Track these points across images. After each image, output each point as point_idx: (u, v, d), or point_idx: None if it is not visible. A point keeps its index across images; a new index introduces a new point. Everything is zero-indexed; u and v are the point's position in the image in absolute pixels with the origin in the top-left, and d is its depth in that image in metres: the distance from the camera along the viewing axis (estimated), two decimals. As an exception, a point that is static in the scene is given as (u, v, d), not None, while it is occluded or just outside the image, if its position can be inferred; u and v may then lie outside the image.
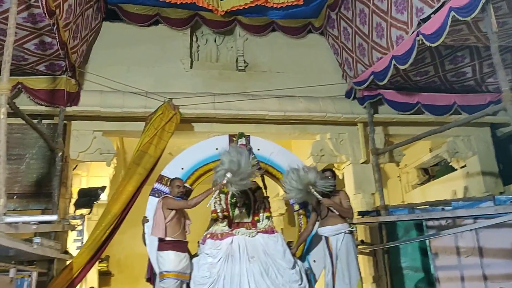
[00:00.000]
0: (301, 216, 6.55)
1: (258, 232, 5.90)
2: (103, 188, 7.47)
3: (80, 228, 7.22)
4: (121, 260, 13.36)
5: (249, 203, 6.17)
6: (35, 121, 6.65)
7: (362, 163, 8.21)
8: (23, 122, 6.85)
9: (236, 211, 6.11)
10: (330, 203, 5.66)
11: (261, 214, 6.12)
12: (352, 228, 5.96)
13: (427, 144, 10.03)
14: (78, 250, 6.77)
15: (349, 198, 6.08)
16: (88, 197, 7.35)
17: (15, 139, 6.96)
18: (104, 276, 12.98)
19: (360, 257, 7.79)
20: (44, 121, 7.19)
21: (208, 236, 5.87)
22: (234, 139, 6.52)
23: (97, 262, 11.58)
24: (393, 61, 6.68)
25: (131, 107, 7.38)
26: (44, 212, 6.80)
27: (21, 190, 6.72)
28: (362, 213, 7.73)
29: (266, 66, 8.52)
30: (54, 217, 4.48)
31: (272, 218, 6.19)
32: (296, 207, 6.60)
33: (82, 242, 7.03)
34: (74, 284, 6.23)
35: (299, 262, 5.87)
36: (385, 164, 8.98)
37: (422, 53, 6.90)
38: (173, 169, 6.36)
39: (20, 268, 5.68)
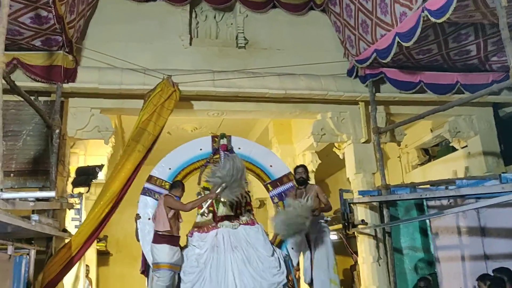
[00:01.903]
0: (279, 208, 6.90)
1: (240, 224, 6.41)
2: (101, 167, 7.36)
3: (78, 206, 7.11)
4: (120, 240, 13.35)
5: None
6: (31, 98, 6.51)
7: (363, 142, 8.13)
8: (19, 98, 6.75)
9: (221, 206, 6.53)
10: (319, 210, 6.21)
11: (243, 208, 6.62)
12: (327, 218, 6.65)
13: (428, 124, 9.94)
14: (77, 229, 6.68)
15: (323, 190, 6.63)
16: (86, 175, 7.23)
17: (10, 115, 6.84)
18: (103, 255, 13.00)
19: (361, 237, 7.79)
20: (40, 98, 7.05)
21: (195, 229, 6.38)
22: (217, 139, 6.96)
23: (95, 242, 11.72)
24: (397, 38, 6.56)
25: (130, 84, 7.24)
26: (41, 190, 6.69)
27: (18, 168, 6.61)
28: (362, 193, 7.68)
29: (266, 44, 8.36)
30: (52, 194, 4.38)
31: (253, 211, 6.73)
32: (275, 199, 7.02)
33: (80, 221, 6.93)
34: (73, 262, 6.18)
35: (277, 250, 6.37)
36: (385, 145, 8.93)
37: (425, 30, 6.75)
38: (161, 169, 6.79)
39: (18, 246, 5.63)
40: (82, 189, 7.28)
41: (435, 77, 7.90)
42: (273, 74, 7.81)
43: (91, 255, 11.30)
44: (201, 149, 6.90)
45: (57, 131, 6.64)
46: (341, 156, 8.85)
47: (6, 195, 3.84)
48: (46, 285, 5.96)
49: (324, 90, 7.83)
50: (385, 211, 7.40)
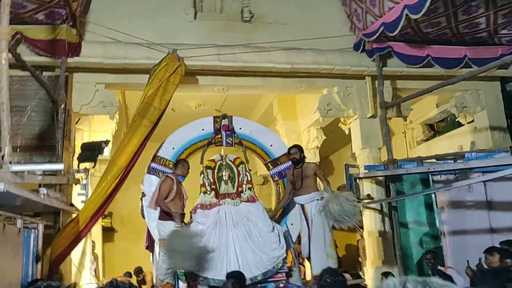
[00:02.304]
0: (279, 185, 7.23)
1: (241, 201, 6.64)
2: (106, 142, 7.34)
3: (84, 182, 7.12)
4: (124, 216, 13.41)
5: (233, 177, 6.89)
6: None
7: (369, 117, 8.08)
8: (23, 74, 6.73)
9: (222, 184, 6.81)
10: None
11: (244, 186, 6.83)
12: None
13: (433, 99, 9.87)
14: (83, 204, 6.71)
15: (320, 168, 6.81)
16: (92, 150, 7.22)
17: (15, 91, 6.75)
18: (108, 232, 13.07)
19: (366, 211, 7.80)
20: (45, 74, 6.99)
21: (198, 206, 6.55)
22: (218, 120, 7.11)
23: (101, 218, 11.77)
24: (406, 11, 6.45)
25: (134, 58, 7.18)
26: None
27: (24, 143, 6.59)
28: (369, 168, 7.66)
29: (272, 18, 8.24)
30: (60, 166, 4.38)
31: (253, 189, 6.89)
32: (276, 178, 7.29)
33: (87, 196, 6.93)
34: (80, 236, 6.21)
35: (277, 225, 6.57)
36: (390, 120, 8.84)
37: (434, 2, 6.65)
38: (165, 149, 7.02)
39: (26, 220, 5.65)
40: (88, 165, 7.26)
41: (443, 51, 7.80)
42: (279, 49, 7.71)
43: (96, 231, 11.33)
44: (203, 129, 7.09)
45: (62, 106, 6.61)
46: (346, 132, 8.81)
47: (16, 167, 3.83)
48: (54, 259, 6.00)
49: (330, 65, 7.75)
50: (391, 186, 7.39)
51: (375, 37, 7.44)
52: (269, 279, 6.18)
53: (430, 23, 7.24)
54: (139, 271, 10.04)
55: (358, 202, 7.61)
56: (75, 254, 9.10)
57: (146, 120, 6.57)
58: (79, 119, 7.79)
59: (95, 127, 9.23)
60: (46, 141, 6.67)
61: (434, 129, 10.51)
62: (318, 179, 6.64)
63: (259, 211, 6.54)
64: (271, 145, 7.27)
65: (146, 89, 6.73)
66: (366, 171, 7.63)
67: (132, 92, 8.47)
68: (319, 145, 10.29)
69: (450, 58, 7.82)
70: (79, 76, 7.28)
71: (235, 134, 7.11)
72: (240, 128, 7.19)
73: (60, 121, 6.56)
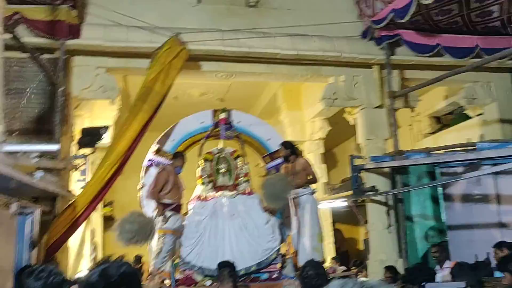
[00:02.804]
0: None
1: (238, 193, 6.80)
2: (106, 128, 7.13)
3: (83, 168, 6.96)
4: (125, 205, 13.02)
5: (231, 169, 7.07)
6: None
7: (376, 107, 7.89)
8: (22, 55, 6.55)
9: (220, 176, 7.00)
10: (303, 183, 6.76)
11: (240, 178, 6.98)
12: (314, 190, 6.97)
13: (441, 91, 9.67)
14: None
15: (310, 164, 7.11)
16: (91, 136, 7.03)
17: (14, 72, 6.61)
18: (109, 221, 12.93)
19: (371, 204, 7.63)
20: (44, 56, 6.79)
21: (196, 197, 6.73)
22: (217, 113, 7.20)
23: (101, 207, 11.63)
24: (416, -4, 6.24)
25: (136, 42, 6.98)
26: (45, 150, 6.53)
27: (21, 126, 6.42)
28: (375, 159, 7.47)
29: (277, 2, 8.01)
30: (56, 146, 4.24)
31: (250, 181, 6.98)
32: (273, 171, 7.32)
33: (86, 183, 6.78)
34: (78, 223, 6.04)
35: (272, 218, 6.67)
36: (396, 113, 8.62)
37: (446, -12, 6.45)
38: (164, 140, 7.10)
39: (22, 205, 5.50)
40: (87, 150, 7.08)
41: (453, 40, 7.60)
42: (284, 35, 7.50)
43: (97, 219, 11.22)
44: (202, 122, 7.18)
45: (61, 88, 6.42)
46: (352, 122, 8.61)
47: (9, 147, 3.66)
48: (50, 246, 5.84)
49: (337, 52, 7.55)
50: (397, 177, 7.23)
51: (384, 24, 7.22)
52: (263, 270, 6.35)
53: (441, 10, 7.03)
54: (138, 259, 10.02)
55: (362, 194, 7.50)
56: (74, 242, 9.02)
57: (147, 105, 6.39)
58: (79, 104, 7.61)
59: (97, 114, 9.04)
60: (45, 125, 6.50)
61: (441, 122, 10.30)
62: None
63: (255, 203, 6.68)
64: (269, 139, 7.36)
65: (148, 73, 6.54)
66: (372, 162, 7.44)
67: (134, 78, 8.26)
68: (324, 136, 10.12)
69: (461, 48, 7.61)
70: (79, 59, 7.08)
71: (233, 128, 7.20)
72: (239, 122, 7.27)
73: (59, 104, 6.37)
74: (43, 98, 6.59)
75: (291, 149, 6.88)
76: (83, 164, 6.94)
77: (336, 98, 7.92)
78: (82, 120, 8.69)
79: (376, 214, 7.56)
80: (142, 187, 6.83)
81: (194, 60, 7.32)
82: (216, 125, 7.19)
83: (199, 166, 6.94)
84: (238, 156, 7.12)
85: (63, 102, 6.48)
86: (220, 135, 7.21)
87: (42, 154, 5.29)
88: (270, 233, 6.46)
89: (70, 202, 6.11)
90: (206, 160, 6.98)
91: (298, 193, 6.75)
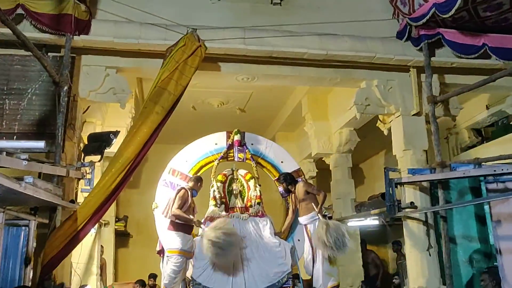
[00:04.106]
0: (288, 202, 7.13)
1: (250, 215, 6.74)
2: (116, 133, 6.50)
3: (89, 176, 6.32)
4: (140, 221, 12.56)
5: (243, 191, 7.04)
6: (38, 51, 5.70)
7: (413, 114, 7.13)
8: (25, 53, 6.00)
9: (232, 198, 6.97)
10: (319, 209, 6.49)
11: (253, 201, 6.90)
12: (325, 213, 6.81)
13: (482, 101, 8.83)
14: (86, 200, 5.87)
15: (311, 184, 7.23)
16: (99, 142, 6.42)
17: (15, 71, 6.12)
18: (122, 236, 12.33)
19: (408, 222, 6.82)
20: (50, 54, 6.25)
21: (207, 218, 6.64)
22: (231, 135, 7.11)
23: (113, 221, 11.01)
24: (463, -13, 5.52)
25: (149, 39, 6.38)
26: (48, 155, 5.92)
27: (22, 129, 5.84)
28: (413, 171, 6.66)
29: (304, 1, 7.36)
30: (41, 144, 3.59)
31: (262, 204, 6.90)
32: (284, 194, 7.15)
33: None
34: (79, 237, 5.35)
35: (283, 241, 6.63)
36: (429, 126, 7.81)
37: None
38: (179, 161, 7.02)
39: (14, 216, 4.87)
40: (94, 158, 6.46)
41: (502, 40, 6.83)
42: (312, 34, 6.83)
43: (108, 234, 10.61)
44: (216, 144, 7.14)
45: (65, 88, 5.82)
46: (385, 132, 7.83)
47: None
48: (47, 263, 5.17)
49: (370, 52, 6.82)
50: (439, 193, 6.42)
51: (424, 21, 6.52)
52: None
53: (490, 5, 6.28)
54: (153, 276, 9.51)
55: (399, 210, 6.72)
56: (83, 259, 8.38)
57: (159, 106, 5.72)
58: (88, 108, 7.01)
59: (109, 121, 8.47)
60: (47, 128, 5.90)
61: (482, 134, 9.42)
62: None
63: (267, 225, 6.68)
64: (282, 162, 7.25)
65: (160, 72, 5.90)
66: (410, 175, 6.63)
67: (150, 83, 7.67)
68: (352, 148, 9.35)
69: (510, 49, 6.79)
70: (88, 59, 6.52)
71: (247, 150, 7.13)
72: (252, 144, 7.24)
73: (62, 105, 5.76)
74: (46, 100, 6.01)
75: (286, 182, 6.78)
76: (89, 172, 6.28)
77: (368, 104, 7.18)
78: (94, 128, 8.12)
79: (414, 234, 6.72)
80: (156, 207, 6.72)
81: (212, 60, 6.71)
82: (230, 146, 7.10)
83: (212, 187, 6.88)
84: (251, 178, 7.07)
85: (67, 102, 5.87)
86: (233, 157, 7.16)
87: (39, 159, 4.67)
88: (281, 256, 6.38)
89: (71, 213, 5.43)
90: (219, 181, 6.93)
91: (309, 219, 6.57)
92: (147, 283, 9.60)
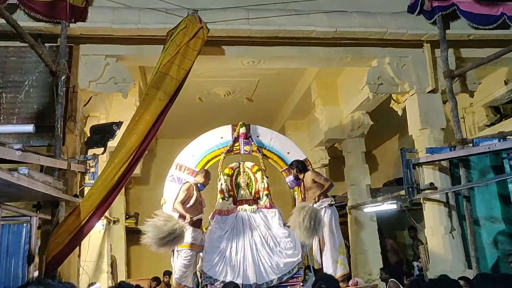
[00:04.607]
0: (296, 192, 7.23)
1: (258, 207, 6.78)
2: (119, 124, 6.22)
3: (93, 170, 6.06)
4: (151, 217, 12.34)
5: (250, 183, 7.05)
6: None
7: (429, 92, 6.77)
8: (21, 44, 5.74)
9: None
10: (318, 197, 6.59)
11: (261, 193, 6.94)
12: (332, 201, 6.78)
13: (500, 76, 8.45)
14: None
15: (319, 173, 7.16)
16: (102, 134, 6.15)
17: (11, 63, 5.86)
18: (134, 234, 12.09)
19: (428, 204, 6.48)
20: (46, 44, 5.99)
21: (216, 212, 6.73)
22: (237, 128, 7.13)
23: (124, 218, 10.79)
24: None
25: (149, 24, 6.09)
26: (48, 149, 5.67)
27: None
28: (431, 150, 6.32)
29: (310, -22, 7.01)
30: (29, 127, 3.32)
31: (270, 195, 6.91)
32: (293, 184, 7.23)
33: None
34: (83, 232, 5.09)
35: (293, 232, 6.49)
36: (445, 105, 7.45)
37: None
38: (185, 156, 7.08)
39: (14, 213, 4.63)
40: (97, 150, 6.20)
41: (522, 8, 6.43)
42: (320, 11, 6.49)
43: (119, 231, 10.43)
44: (222, 138, 7.18)
45: (63, 77, 5.55)
46: (399, 113, 7.50)
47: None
48: (51, 260, 4.92)
49: (382, 27, 6.47)
50: (461, 171, 6.06)
51: (437, -9, 6.13)
52: (285, 283, 6.33)
53: (507, -30, 5.90)
54: (168, 273, 9.34)
55: (418, 192, 6.40)
56: (92, 256, 8.17)
57: (161, 92, 5.43)
58: (90, 100, 6.76)
59: (113, 115, 8.25)
60: (46, 121, 5.63)
61: (501, 112, 9.04)
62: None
63: (276, 217, 6.68)
64: (288, 153, 7.26)
65: (162, 56, 5.61)
66: (428, 154, 6.29)
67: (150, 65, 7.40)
68: (365, 132, 9.02)
69: (531, 17, 6.43)
70: (86, 48, 6.25)
71: (253, 142, 7.15)
72: (258, 136, 7.25)
73: (61, 95, 5.50)
74: (44, 91, 5.74)
75: (298, 168, 6.83)
76: (92, 166, 6.02)
77: (381, 83, 6.84)
78: (97, 121, 7.90)
79: (435, 217, 6.39)
80: (165, 203, 6.78)
81: (216, 44, 6.41)
82: (235, 140, 7.13)
83: (219, 181, 6.90)
84: (257, 170, 7.07)
85: (66, 93, 5.60)
86: (239, 150, 7.20)
87: (34, 150, 4.41)
88: (291, 247, 6.44)
89: (74, 208, 5.16)
90: (226, 174, 6.97)
91: (317, 207, 6.53)
92: (162, 279, 9.45)
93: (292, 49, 6.63)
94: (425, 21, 6.71)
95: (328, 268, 6.37)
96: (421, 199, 6.58)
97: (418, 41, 6.74)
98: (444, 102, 6.97)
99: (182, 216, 6.25)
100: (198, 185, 6.60)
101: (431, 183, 6.31)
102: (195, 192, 6.44)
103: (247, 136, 7.12)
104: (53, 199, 5.05)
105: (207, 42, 6.03)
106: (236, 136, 7.11)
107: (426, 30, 6.61)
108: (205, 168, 6.98)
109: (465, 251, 6.24)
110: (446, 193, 6.34)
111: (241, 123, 7.11)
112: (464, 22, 6.66)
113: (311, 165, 7.30)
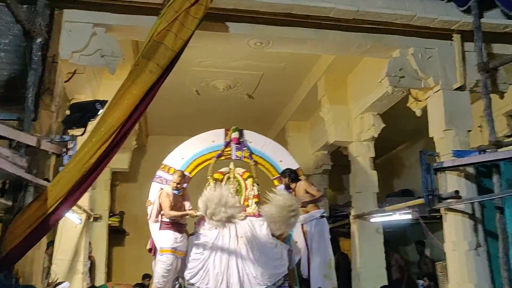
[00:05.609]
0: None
1: (246, 215, 6.71)
2: (103, 102, 5.33)
3: (71, 153, 5.24)
4: (138, 218, 11.38)
5: (240, 190, 7.00)
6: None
7: (456, 89, 6.03)
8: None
9: None
10: (305, 203, 6.54)
11: (250, 200, 6.91)
12: (324, 213, 6.80)
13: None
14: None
15: (312, 183, 7.11)
16: (82, 112, 5.34)
17: (-20, 25, 5.02)
18: (117, 234, 11.33)
19: (450, 215, 5.70)
20: (24, 5, 5.17)
21: (202, 218, 6.51)
22: (229, 132, 7.10)
23: (107, 216, 9.93)
24: None
25: (144, -13, 5.32)
26: (19, 123, 4.84)
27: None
28: (457, 154, 5.56)
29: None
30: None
31: (260, 203, 6.72)
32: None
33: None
34: (49, 223, 4.20)
35: (280, 242, 6.59)
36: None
37: None
38: (174, 158, 7.02)
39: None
40: (76, 131, 5.38)
41: None
42: (340, -12, 5.75)
43: (100, 230, 9.57)
44: (213, 141, 7.15)
45: (39, 40, 4.73)
46: (418, 113, 6.76)
47: None
48: (8, 254, 4.05)
49: (410, 11, 5.73)
50: (494, 178, 5.28)
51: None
52: None
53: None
54: (147, 276, 8.89)
55: (439, 201, 5.62)
56: (67, 255, 7.35)
57: (153, 64, 4.58)
58: (72, 75, 5.95)
59: (101, 96, 7.38)
60: (18, 91, 4.82)
61: (522, 121, 8.31)
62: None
63: (264, 226, 6.60)
64: (281, 161, 7.19)
65: (157, 23, 4.79)
66: (454, 158, 5.53)
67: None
68: (376, 136, 8.28)
69: None
70: (72, 14, 5.44)
71: (245, 148, 7.12)
72: (250, 142, 7.21)
73: (35, 60, 4.67)
74: (17, 57, 4.90)
75: (290, 177, 6.80)
76: (70, 148, 5.19)
77: (402, 76, 6.09)
78: (83, 104, 7.08)
79: (458, 230, 5.60)
80: (150, 205, 6.77)
81: (220, 19, 5.63)
82: (227, 144, 7.11)
83: (208, 186, 6.80)
84: (248, 177, 7.05)
85: (42, 60, 4.79)
86: (231, 155, 7.15)
87: None
88: (278, 258, 6.45)
89: (40, 194, 4.31)
90: (215, 179, 6.92)
91: (306, 218, 6.61)
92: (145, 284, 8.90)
93: (306, 30, 5.86)
94: (454, 10, 5.99)
95: (314, 282, 6.38)
96: (442, 209, 5.80)
97: (447, 30, 6.01)
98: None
99: (185, 215, 6.43)
100: (172, 189, 6.51)
101: (456, 191, 5.52)
102: (171, 198, 6.47)
103: (240, 141, 7.09)
104: (17, 180, 4.22)
105: (209, 16, 5.22)
106: (228, 140, 7.08)
107: (459, 18, 5.88)
108: (195, 172, 6.97)
109: (491, 271, 5.45)
110: (472, 204, 5.55)
111: (234, 127, 7.10)
112: (499, 13, 5.96)
113: (303, 175, 7.19)
